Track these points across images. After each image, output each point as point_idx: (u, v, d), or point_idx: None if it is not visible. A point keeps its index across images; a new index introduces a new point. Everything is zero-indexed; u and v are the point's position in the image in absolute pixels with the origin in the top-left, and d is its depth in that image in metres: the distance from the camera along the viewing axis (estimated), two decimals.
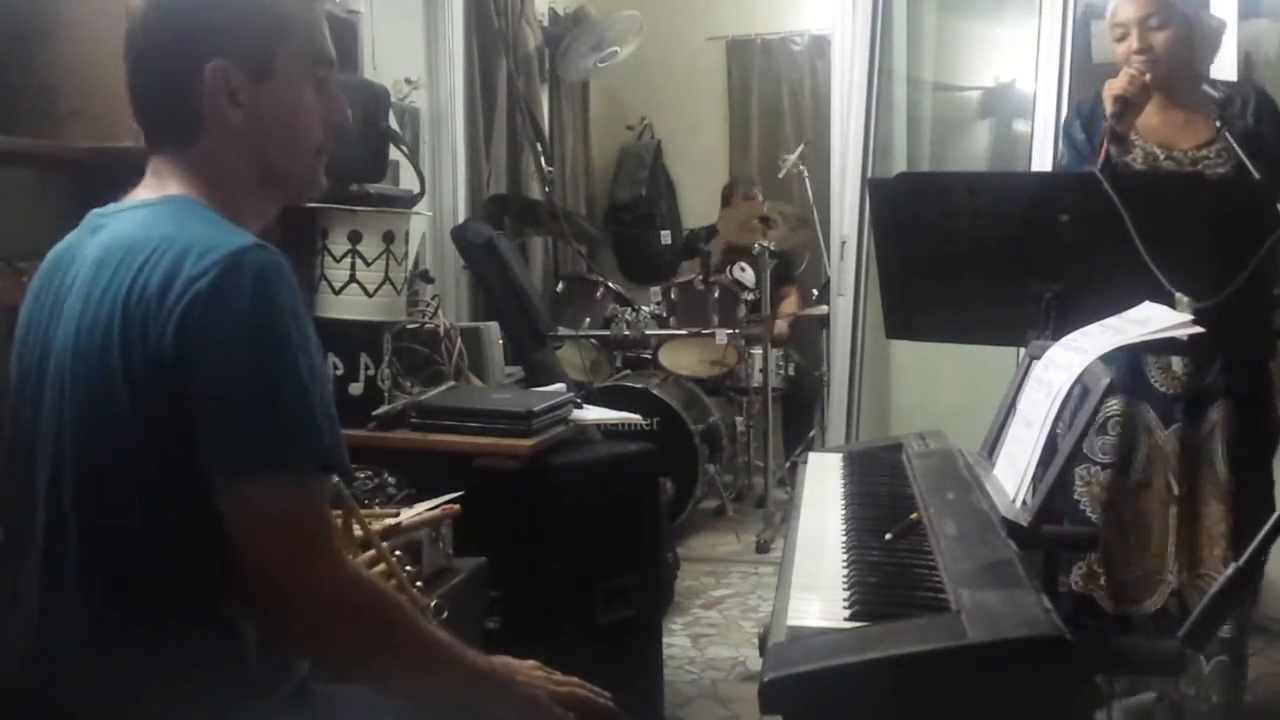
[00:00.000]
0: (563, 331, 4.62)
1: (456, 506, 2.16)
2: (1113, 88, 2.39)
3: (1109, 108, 2.37)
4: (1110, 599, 2.46)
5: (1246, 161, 2.24)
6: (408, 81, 4.30)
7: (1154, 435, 2.46)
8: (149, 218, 1.25)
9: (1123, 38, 2.44)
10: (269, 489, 1.17)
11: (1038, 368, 1.55)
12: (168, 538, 1.21)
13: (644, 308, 4.84)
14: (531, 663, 1.42)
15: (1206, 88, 2.39)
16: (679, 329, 4.83)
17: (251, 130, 1.30)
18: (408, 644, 1.27)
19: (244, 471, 1.17)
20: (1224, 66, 3.54)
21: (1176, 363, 2.45)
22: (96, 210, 1.32)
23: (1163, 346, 2.24)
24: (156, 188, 1.31)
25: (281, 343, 1.17)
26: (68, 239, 1.34)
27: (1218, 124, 2.32)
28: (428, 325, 2.90)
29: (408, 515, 2.06)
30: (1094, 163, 2.36)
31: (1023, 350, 2.53)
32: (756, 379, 4.93)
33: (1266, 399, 2.49)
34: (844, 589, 1.35)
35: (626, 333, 4.70)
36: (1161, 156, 2.47)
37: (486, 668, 1.33)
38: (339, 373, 2.57)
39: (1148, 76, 2.37)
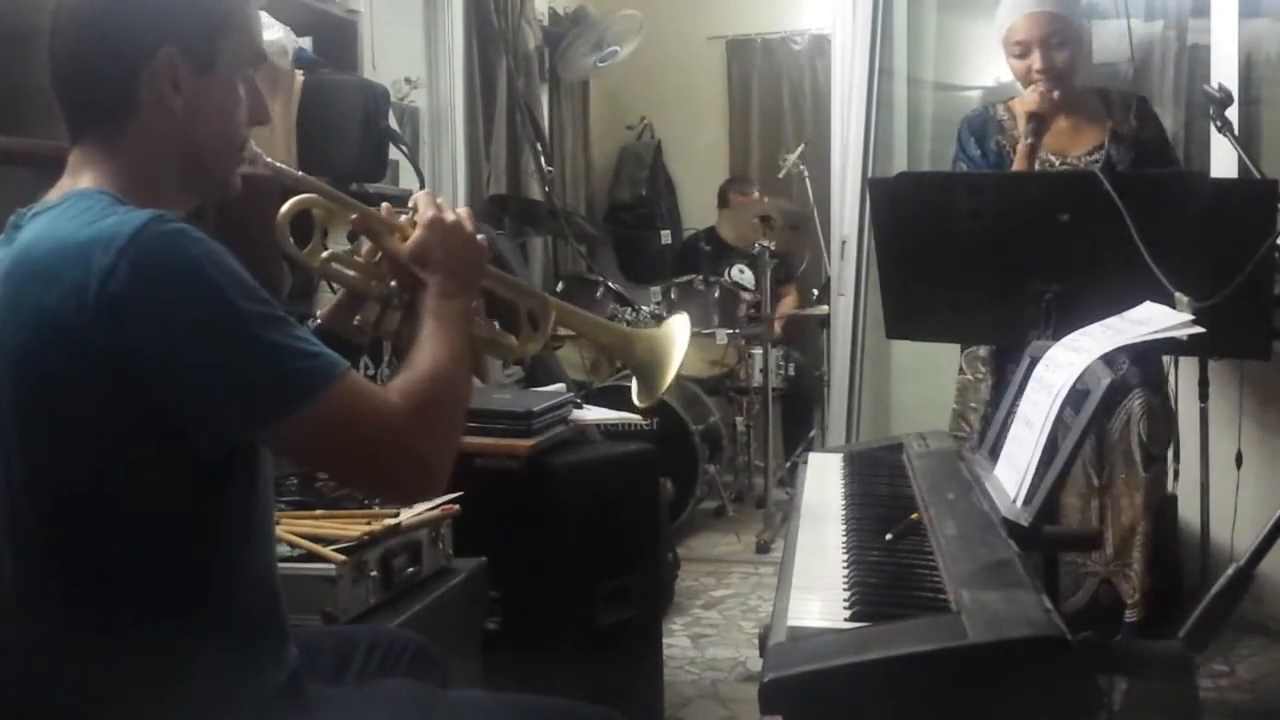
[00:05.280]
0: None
1: (456, 506, 2.16)
2: (1026, 105, 2.51)
3: (1023, 124, 2.49)
4: None
5: (1247, 160, 2.24)
6: (408, 81, 4.30)
7: None
8: (49, 222, 1.23)
9: (1023, 55, 2.54)
10: (306, 421, 1.19)
11: (1039, 368, 1.55)
12: (128, 536, 1.20)
13: (644, 308, 4.84)
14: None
15: (1209, 89, 2.42)
16: None
17: (189, 120, 1.29)
18: (453, 386, 1.34)
19: (274, 419, 1.19)
20: (1224, 66, 3.55)
21: None
22: (15, 214, 1.30)
23: (1163, 346, 2.25)
24: (66, 185, 1.29)
25: (222, 295, 1.17)
26: None
27: (1135, 123, 2.38)
28: None
29: (408, 515, 2.06)
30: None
31: (982, 350, 2.60)
32: (756, 379, 4.93)
33: (1164, 389, 2.58)
34: (844, 589, 1.35)
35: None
36: (1057, 163, 2.57)
37: (452, 310, 1.40)
38: None
39: (1056, 94, 2.49)
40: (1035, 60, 2.50)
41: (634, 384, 1.68)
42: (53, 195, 1.29)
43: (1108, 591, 2.50)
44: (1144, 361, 2.49)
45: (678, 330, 1.66)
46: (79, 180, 1.28)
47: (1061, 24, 2.49)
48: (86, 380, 1.16)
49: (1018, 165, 2.47)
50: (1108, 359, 2.41)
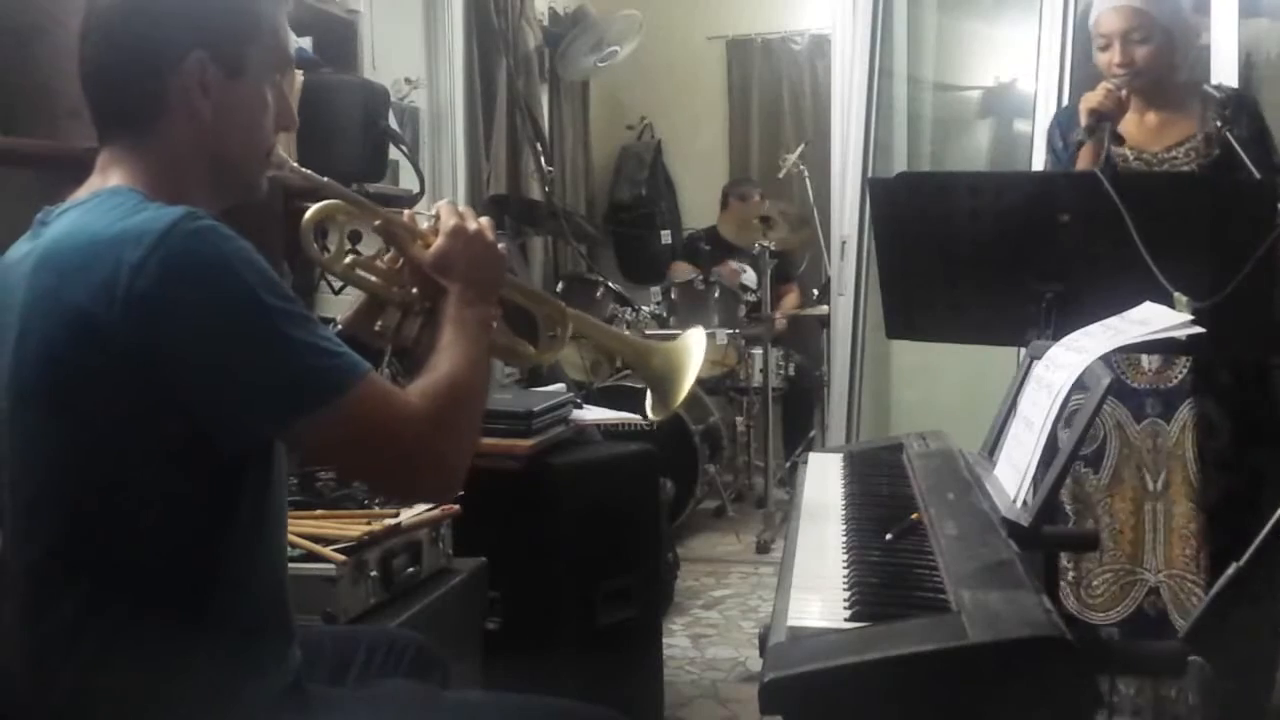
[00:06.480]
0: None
1: (456, 506, 2.16)
2: (1089, 101, 2.43)
3: (1084, 120, 2.41)
4: (1076, 604, 2.47)
5: (1246, 160, 2.24)
6: (408, 81, 4.30)
7: (1125, 431, 2.47)
8: (78, 218, 1.24)
9: (1105, 48, 2.48)
10: (329, 419, 1.20)
11: (1039, 368, 1.55)
12: (142, 534, 1.21)
13: (644, 308, 4.84)
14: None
15: (1209, 89, 2.41)
16: (679, 329, 4.83)
17: (216, 125, 1.30)
18: (472, 392, 1.36)
19: (298, 416, 1.20)
20: (1224, 66, 3.55)
21: (1144, 358, 2.46)
22: (43, 211, 1.31)
23: (1163, 346, 2.24)
24: (96, 184, 1.30)
25: (251, 294, 1.17)
26: (15, 245, 1.32)
27: (1218, 124, 2.34)
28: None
29: (408, 515, 2.06)
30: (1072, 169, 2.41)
31: (1023, 350, 2.57)
32: (756, 379, 4.93)
33: (1246, 400, 2.49)
34: (844, 589, 1.35)
35: (626, 332, 4.70)
36: (1131, 158, 2.51)
37: (472, 318, 1.42)
38: None
39: (1124, 92, 2.42)
40: (1115, 54, 2.45)
41: (648, 397, 1.69)
42: (81, 193, 1.30)
43: (1154, 602, 2.45)
44: (1204, 369, 2.43)
45: (694, 344, 1.66)
46: (108, 179, 1.29)
47: (1144, 19, 2.42)
48: (113, 375, 1.17)
49: (1080, 164, 2.42)
50: (1165, 362, 2.43)
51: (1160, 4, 2.46)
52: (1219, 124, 2.34)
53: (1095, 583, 2.48)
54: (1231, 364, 2.44)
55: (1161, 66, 2.47)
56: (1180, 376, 2.46)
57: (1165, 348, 2.30)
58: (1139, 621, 2.45)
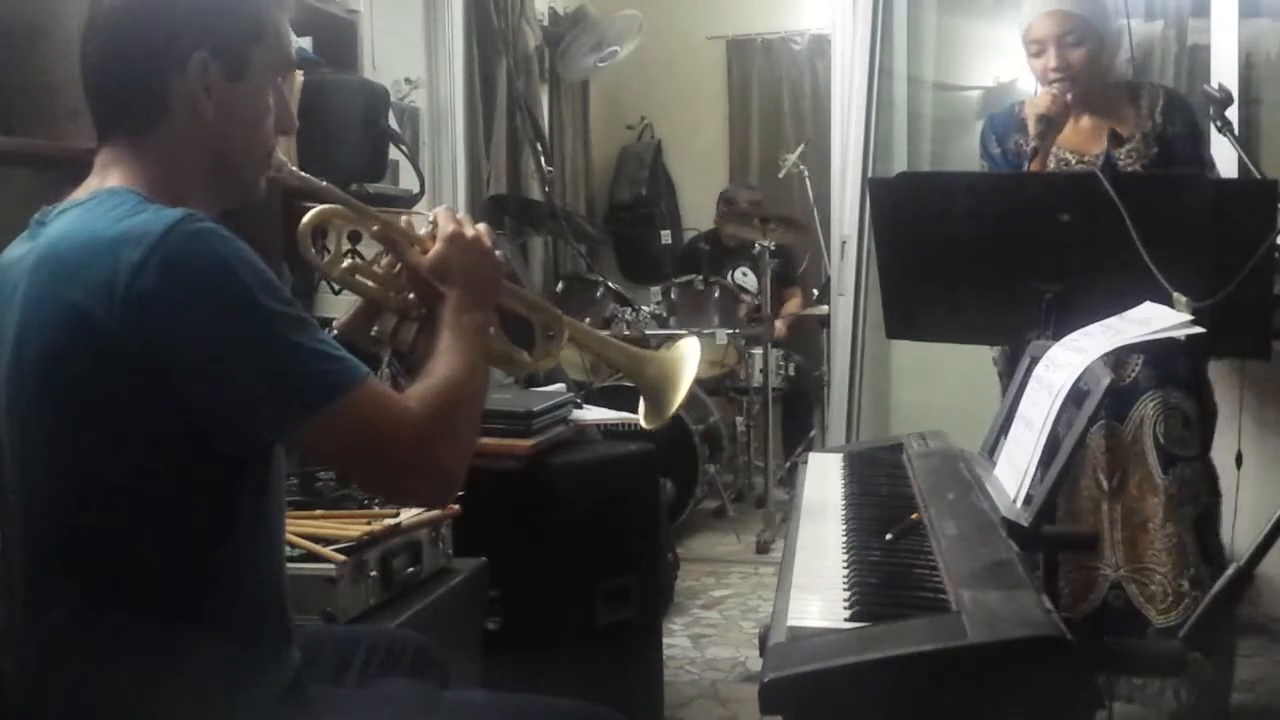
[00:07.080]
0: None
1: (456, 506, 2.16)
2: (1036, 107, 2.45)
3: (1032, 127, 2.44)
4: None
5: (1247, 160, 2.24)
6: (408, 81, 4.30)
7: None
8: (78, 218, 1.24)
9: (1039, 53, 2.51)
10: (327, 423, 1.20)
11: (1039, 368, 1.55)
12: (141, 534, 1.21)
13: (644, 308, 4.84)
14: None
15: (1209, 89, 2.42)
16: (679, 329, 4.83)
17: (218, 126, 1.31)
18: (469, 396, 1.36)
19: (296, 420, 1.20)
20: (1224, 66, 3.55)
21: None
22: (41, 211, 1.31)
23: (1161, 346, 2.24)
24: (95, 184, 1.30)
25: (250, 295, 1.18)
26: (13, 245, 1.32)
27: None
28: None
29: (408, 515, 2.06)
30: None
31: (995, 354, 2.59)
32: (756, 379, 4.93)
33: (1201, 390, 2.52)
34: (844, 589, 1.35)
35: (626, 332, 4.70)
36: (1073, 161, 2.54)
37: (470, 324, 1.42)
38: None
39: (1068, 96, 2.45)
40: (1050, 59, 2.48)
41: (642, 405, 1.69)
42: (80, 193, 1.30)
43: (1118, 595, 2.47)
44: (1162, 363, 2.45)
45: (688, 354, 1.67)
46: (107, 179, 1.29)
47: (1078, 22, 2.45)
48: (112, 376, 1.17)
49: (1030, 169, 2.44)
50: (1118, 360, 2.44)
51: (1090, 6, 2.49)
52: (1161, 120, 2.37)
53: (1060, 585, 2.50)
54: (1188, 355, 2.45)
55: (1095, 69, 2.51)
56: (1134, 374, 2.47)
57: (1162, 348, 2.30)
58: (1105, 616, 2.47)
